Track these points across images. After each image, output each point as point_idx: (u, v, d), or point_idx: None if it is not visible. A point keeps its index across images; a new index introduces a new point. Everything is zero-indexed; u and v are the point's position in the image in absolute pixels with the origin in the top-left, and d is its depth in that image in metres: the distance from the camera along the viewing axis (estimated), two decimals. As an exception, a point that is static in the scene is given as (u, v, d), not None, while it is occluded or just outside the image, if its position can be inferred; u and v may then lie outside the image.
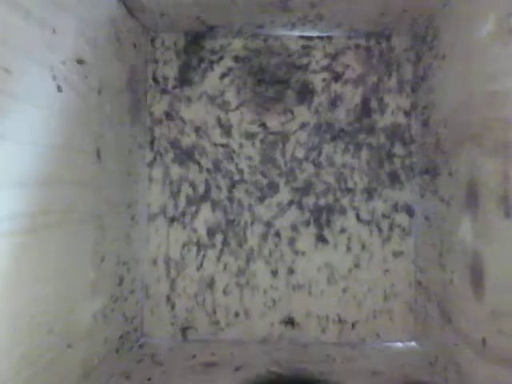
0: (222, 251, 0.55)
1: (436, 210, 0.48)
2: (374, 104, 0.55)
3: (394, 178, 0.55)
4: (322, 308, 0.55)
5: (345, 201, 0.55)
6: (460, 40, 0.42)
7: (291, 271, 0.55)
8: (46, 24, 0.31)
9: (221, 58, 0.56)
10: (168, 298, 0.55)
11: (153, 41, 0.56)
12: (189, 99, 0.56)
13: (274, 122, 0.56)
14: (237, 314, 0.55)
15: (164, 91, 0.56)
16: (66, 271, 0.35)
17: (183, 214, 0.55)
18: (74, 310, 0.36)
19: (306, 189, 0.55)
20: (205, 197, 0.55)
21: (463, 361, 0.40)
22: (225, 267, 0.55)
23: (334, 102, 0.55)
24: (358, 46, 0.56)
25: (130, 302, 0.50)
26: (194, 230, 0.55)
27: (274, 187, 0.55)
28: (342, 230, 0.55)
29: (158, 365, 0.48)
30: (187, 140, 0.56)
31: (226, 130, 0.56)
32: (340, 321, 0.55)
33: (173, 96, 0.56)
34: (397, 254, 0.55)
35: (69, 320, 0.35)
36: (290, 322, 0.55)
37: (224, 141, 0.56)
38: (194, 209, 0.55)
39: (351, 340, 0.55)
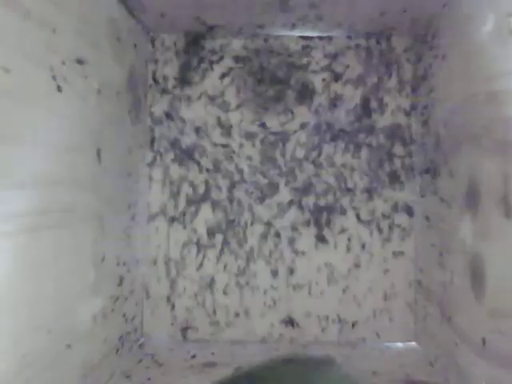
0: (222, 251, 0.55)
1: (436, 210, 0.48)
2: (373, 104, 0.55)
3: (394, 178, 0.55)
4: (322, 308, 0.55)
5: (345, 201, 0.55)
6: (460, 40, 0.42)
7: (291, 271, 0.55)
8: (45, 24, 0.31)
9: (221, 58, 0.56)
10: (168, 298, 0.55)
11: (153, 41, 0.56)
12: (189, 99, 0.56)
13: (274, 122, 0.56)
14: (237, 314, 0.55)
15: (164, 91, 0.56)
16: (66, 271, 0.35)
17: (183, 214, 0.55)
18: (73, 310, 0.36)
19: (306, 189, 0.55)
20: (205, 197, 0.55)
21: (463, 361, 0.40)
22: (225, 267, 0.55)
23: (334, 102, 0.55)
24: (358, 46, 0.56)
25: (130, 302, 0.50)
26: (194, 230, 0.55)
27: (273, 187, 0.55)
28: (342, 230, 0.55)
29: (158, 365, 0.48)
30: (187, 140, 0.56)
31: (226, 130, 0.56)
32: (340, 321, 0.55)
33: (173, 96, 0.56)
34: (397, 254, 0.55)
35: (69, 320, 0.35)
36: (290, 322, 0.55)
37: (224, 141, 0.56)
38: (193, 209, 0.55)
39: (351, 340, 0.55)
